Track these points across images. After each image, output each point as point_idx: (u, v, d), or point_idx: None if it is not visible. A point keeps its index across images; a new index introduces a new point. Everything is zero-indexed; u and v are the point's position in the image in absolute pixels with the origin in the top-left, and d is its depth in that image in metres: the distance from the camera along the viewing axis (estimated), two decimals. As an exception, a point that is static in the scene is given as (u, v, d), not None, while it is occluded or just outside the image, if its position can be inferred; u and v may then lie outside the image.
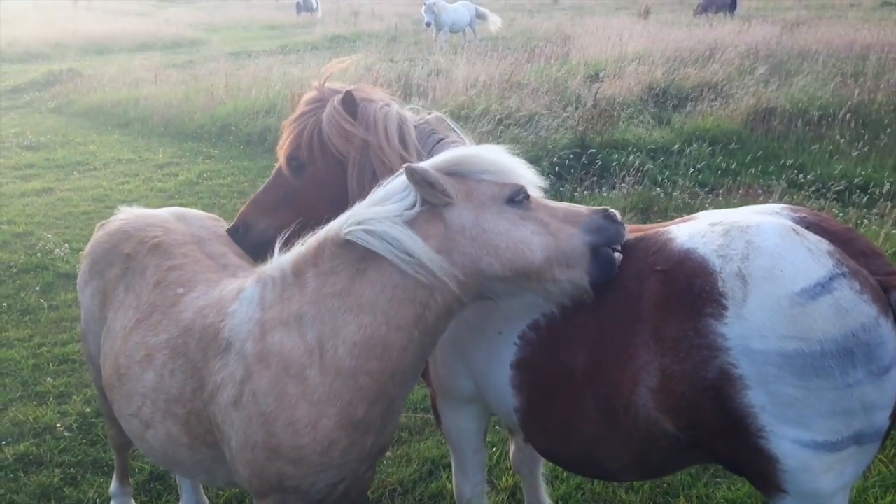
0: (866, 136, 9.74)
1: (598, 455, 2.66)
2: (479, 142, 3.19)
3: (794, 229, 2.31)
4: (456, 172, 2.50)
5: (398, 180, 2.53)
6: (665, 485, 4.14)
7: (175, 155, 12.44)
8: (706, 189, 8.63)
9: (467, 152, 2.58)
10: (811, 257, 2.21)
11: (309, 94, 3.24)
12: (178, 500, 4.08)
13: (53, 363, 5.68)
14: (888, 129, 9.94)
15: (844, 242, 2.34)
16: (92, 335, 3.35)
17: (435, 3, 22.79)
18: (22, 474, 4.40)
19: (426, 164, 2.49)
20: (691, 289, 2.30)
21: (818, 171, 8.72)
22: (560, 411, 2.63)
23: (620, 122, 10.64)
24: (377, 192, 2.55)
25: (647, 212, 7.94)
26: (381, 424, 2.64)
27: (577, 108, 10.99)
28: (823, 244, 2.26)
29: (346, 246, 2.49)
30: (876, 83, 11.78)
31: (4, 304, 6.67)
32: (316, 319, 2.49)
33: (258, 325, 2.57)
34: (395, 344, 2.46)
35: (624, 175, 8.75)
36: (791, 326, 2.17)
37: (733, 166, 9.26)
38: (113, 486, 4.02)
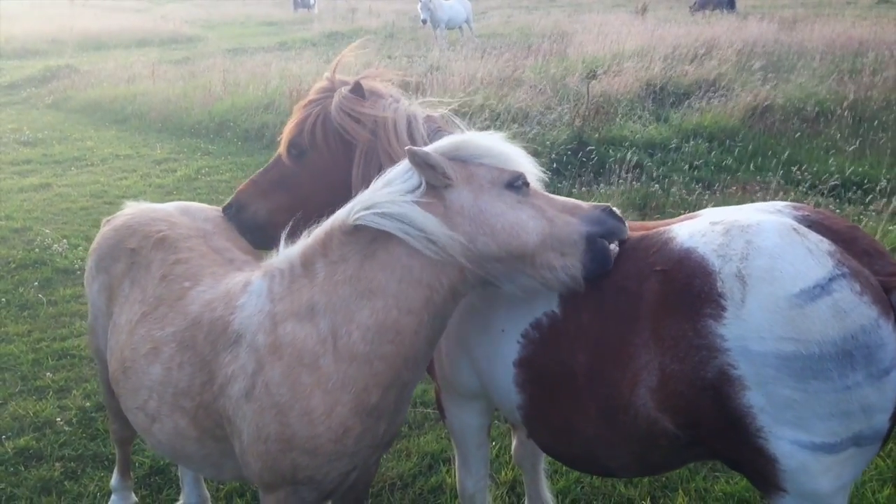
0: (862, 133, 9.77)
1: (598, 453, 2.67)
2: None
3: (794, 229, 2.29)
4: (457, 157, 2.56)
5: (400, 166, 2.60)
6: (664, 479, 4.17)
7: (173, 151, 12.43)
8: (703, 185, 8.65)
9: (468, 137, 2.64)
10: (811, 258, 2.20)
11: (319, 84, 3.27)
12: (179, 493, 4.10)
13: (52, 358, 5.69)
14: (884, 126, 9.97)
15: (847, 241, 2.32)
16: (100, 330, 3.36)
17: (430, 0, 22.76)
18: (22, 468, 4.41)
19: (428, 148, 2.55)
20: (690, 289, 2.30)
21: (815, 168, 8.74)
22: (561, 410, 2.64)
23: (618, 119, 10.66)
24: (380, 180, 2.61)
25: (644, 208, 7.96)
26: (394, 411, 2.67)
27: (574, 104, 11.00)
28: (824, 244, 2.25)
29: (354, 233, 2.53)
30: (872, 80, 11.81)
31: (3, 300, 6.68)
32: (328, 308, 2.52)
33: (269, 318, 2.59)
34: (407, 327, 2.49)
35: (621, 171, 8.76)
36: (789, 328, 2.16)
37: (730, 163, 9.30)
38: (114, 479, 4.03)
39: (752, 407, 2.23)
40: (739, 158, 9.40)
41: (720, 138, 10.03)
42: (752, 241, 2.27)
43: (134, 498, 4.06)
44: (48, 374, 5.43)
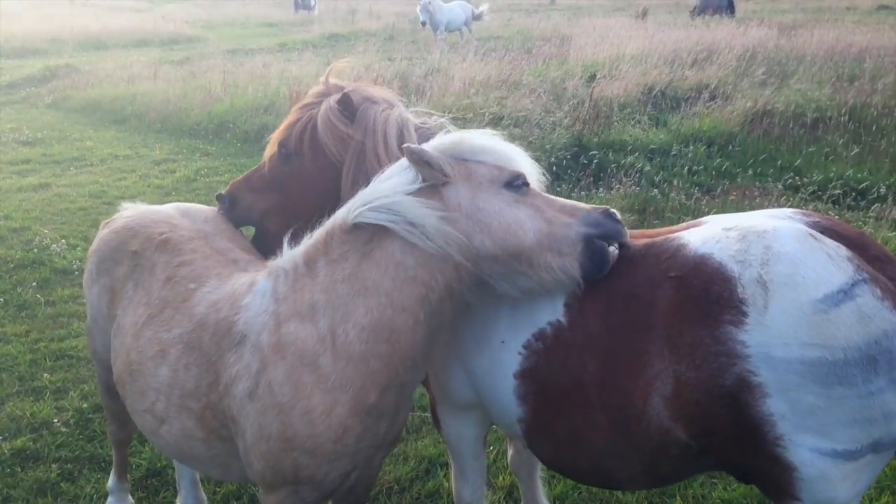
0: (863, 139, 9.77)
1: (606, 465, 2.63)
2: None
3: (811, 234, 2.30)
4: (455, 154, 2.56)
5: (399, 163, 2.61)
6: (661, 484, 4.16)
7: (172, 152, 12.41)
8: (702, 190, 8.65)
9: (467, 135, 2.64)
10: (832, 263, 2.20)
11: (316, 88, 3.27)
12: (175, 496, 4.08)
13: (50, 359, 5.67)
14: (884, 132, 9.98)
15: (858, 248, 2.32)
16: (99, 333, 3.36)
17: (430, 3, 22.75)
18: (19, 469, 4.40)
19: (426, 145, 2.56)
20: (708, 295, 2.28)
21: (814, 175, 8.74)
22: (568, 422, 2.61)
23: (618, 123, 10.66)
24: (378, 177, 2.62)
25: (643, 213, 7.96)
26: (394, 411, 2.67)
27: (574, 108, 10.99)
28: (842, 250, 2.25)
29: (353, 231, 2.55)
30: (872, 86, 11.82)
31: (1, 300, 6.66)
32: (327, 306, 2.53)
33: (273, 317, 2.60)
34: (402, 326, 2.49)
35: (621, 176, 8.76)
36: (814, 334, 2.15)
37: (730, 168, 9.29)
38: (111, 481, 4.01)
39: (773, 414, 2.22)
40: (739, 164, 9.40)
41: (719, 143, 10.03)
42: (772, 247, 2.26)
43: (130, 500, 4.05)
44: (46, 374, 5.42)
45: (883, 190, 8.21)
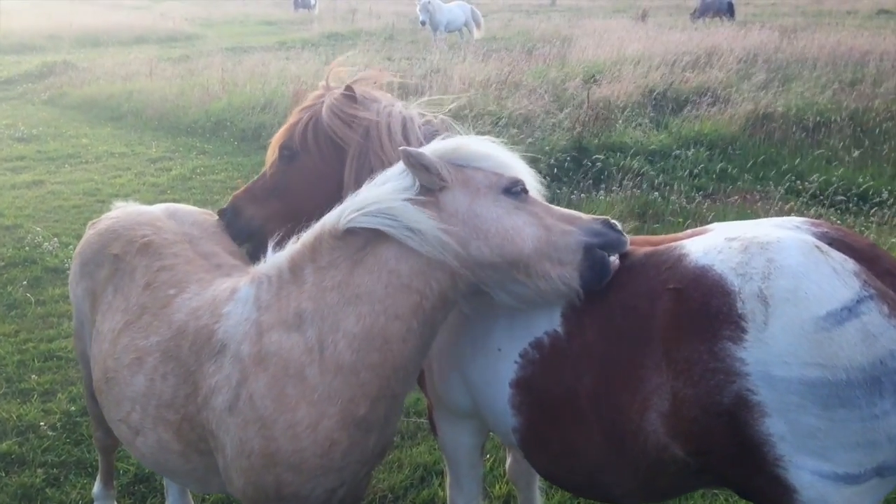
0: (865, 144, 9.70)
1: (602, 479, 2.56)
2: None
3: (817, 247, 2.20)
4: (453, 160, 2.49)
5: (395, 167, 2.53)
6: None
7: (168, 150, 12.31)
8: (703, 194, 8.57)
9: (466, 141, 2.58)
10: (837, 278, 2.10)
11: (316, 92, 3.23)
12: (163, 503, 3.99)
13: (39, 359, 5.56)
14: (886, 136, 9.91)
15: (869, 260, 2.22)
16: (83, 336, 3.28)
17: (429, 3, 22.70)
18: (3, 474, 4.30)
19: (423, 149, 2.48)
20: (707, 309, 2.20)
21: (814, 178, 8.65)
22: (563, 434, 2.53)
23: (618, 125, 10.57)
24: (373, 181, 2.54)
25: (644, 216, 7.87)
26: (383, 423, 2.57)
27: (574, 109, 10.91)
28: (849, 264, 2.15)
29: (344, 237, 2.46)
30: (874, 90, 11.75)
31: (-9, 299, 6.56)
32: (315, 315, 2.44)
33: (254, 326, 2.50)
34: (395, 335, 2.40)
35: (621, 179, 8.68)
36: (815, 353, 2.06)
37: (731, 171, 9.23)
38: (96, 488, 3.92)
39: (772, 435, 2.13)
40: (740, 167, 9.32)
41: (720, 146, 9.95)
42: (774, 260, 2.17)
43: (117, 507, 3.95)
44: (34, 376, 5.31)
45: (885, 195, 8.13)
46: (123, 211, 3.29)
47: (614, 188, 8.53)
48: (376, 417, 2.51)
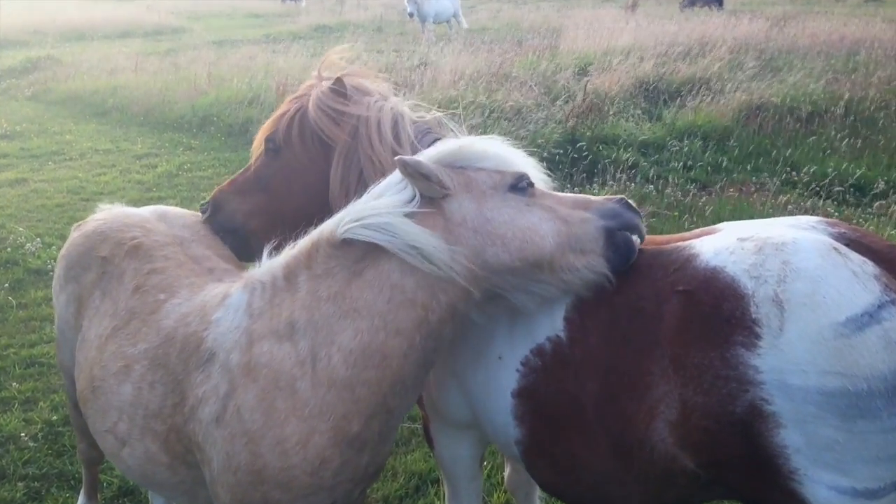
0: (860, 133, 9.61)
1: (608, 492, 2.44)
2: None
3: (835, 248, 2.07)
4: (452, 164, 2.36)
5: (393, 176, 2.39)
6: None
7: (154, 146, 12.10)
8: (698, 186, 8.46)
9: (462, 142, 2.45)
10: (856, 282, 1.98)
11: (307, 82, 3.10)
12: (148, 517, 3.86)
13: (20, 366, 5.39)
14: (881, 126, 9.82)
15: (889, 262, 2.10)
16: (66, 344, 3.13)
17: (417, -6, 22.51)
18: (-18, 488, 4.15)
19: (419, 156, 2.35)
20: (719, 313, 2.08)
21: (810, 168, 8.55)
22: (567, 445, 2.41)
23: (611, 117, 10.43)
24: (373, 190, 2.41)
25: (639, 209, 7.74)
26: (378, 441, 2.44)
27: (566, 101, 10.77)
28: (869, 266, 2.03)
29: (342, 247, 2.33)
30: (867, 79, 11.66)
31: (-30, 303, 6.38)
32: (309, 326, 2.31)
33: (245, 335, 2.38)
34: (395, 351, 2.27)
35: (615, 171, 8.56)
36: (834, 361, 1.94)
37: (725, 163, 9.12)
38: (80, 501, 3.79)
39: (787, 447, 2.01)
40: (734, 158, 9.22)
41: (714, 137, 9.83)
42: (790, 262, 2.05)
43: (101, 521, 3.82)
44: (14, 383, 5.14)
45: (882, 185, 8.03)
46: (110, 213, 3.16)
47: (608, 181, 8.41)
48: (370, 435, 2.38)
